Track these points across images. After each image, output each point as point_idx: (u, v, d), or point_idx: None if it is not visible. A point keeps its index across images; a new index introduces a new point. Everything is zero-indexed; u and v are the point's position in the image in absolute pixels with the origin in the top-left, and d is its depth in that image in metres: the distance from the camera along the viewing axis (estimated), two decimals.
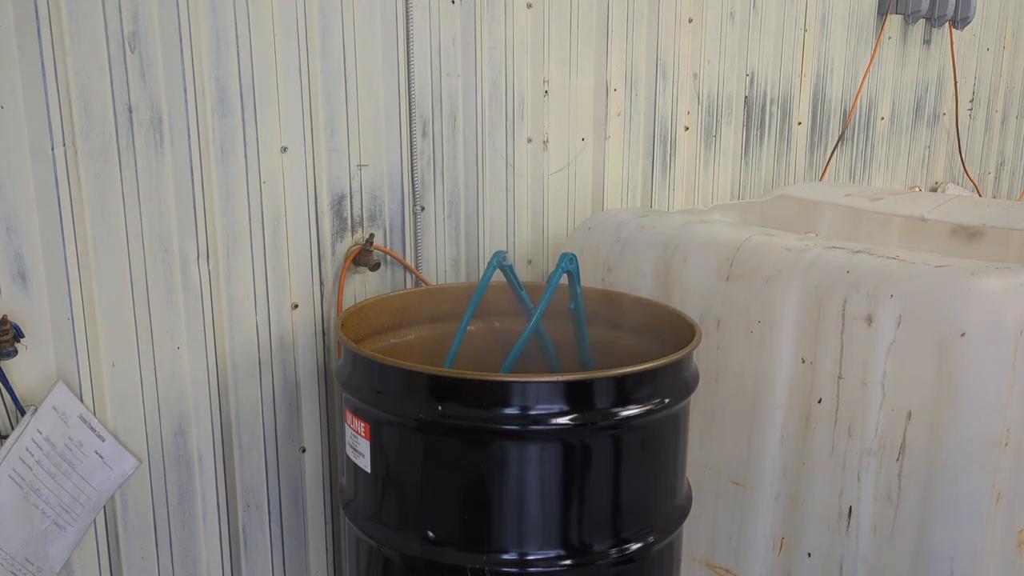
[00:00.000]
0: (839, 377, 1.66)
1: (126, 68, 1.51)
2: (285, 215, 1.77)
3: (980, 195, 3.86)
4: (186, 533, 1.75)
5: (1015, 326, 1.47)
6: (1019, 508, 1.58)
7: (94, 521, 1.61)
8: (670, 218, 2.11)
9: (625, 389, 1.44)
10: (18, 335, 1.43)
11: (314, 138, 1.79)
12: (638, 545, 1.50)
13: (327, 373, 1.91)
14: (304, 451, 1.90)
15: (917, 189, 3.52)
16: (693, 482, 1.71)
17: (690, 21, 2.52)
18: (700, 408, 1.87)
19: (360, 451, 1.54)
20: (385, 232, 1.95)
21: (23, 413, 1.47)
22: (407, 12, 1.88)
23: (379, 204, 1.93)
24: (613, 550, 1.47)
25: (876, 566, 1.66)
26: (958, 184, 3.77)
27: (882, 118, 3.36)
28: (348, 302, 1.89)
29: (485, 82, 2.07)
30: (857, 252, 1.71)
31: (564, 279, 1.72)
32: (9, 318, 1.42)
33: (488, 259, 1.72)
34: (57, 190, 1.47)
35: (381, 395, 1.49)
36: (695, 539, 1.96)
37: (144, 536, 1.69)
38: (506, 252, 1.73)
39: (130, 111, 1.53)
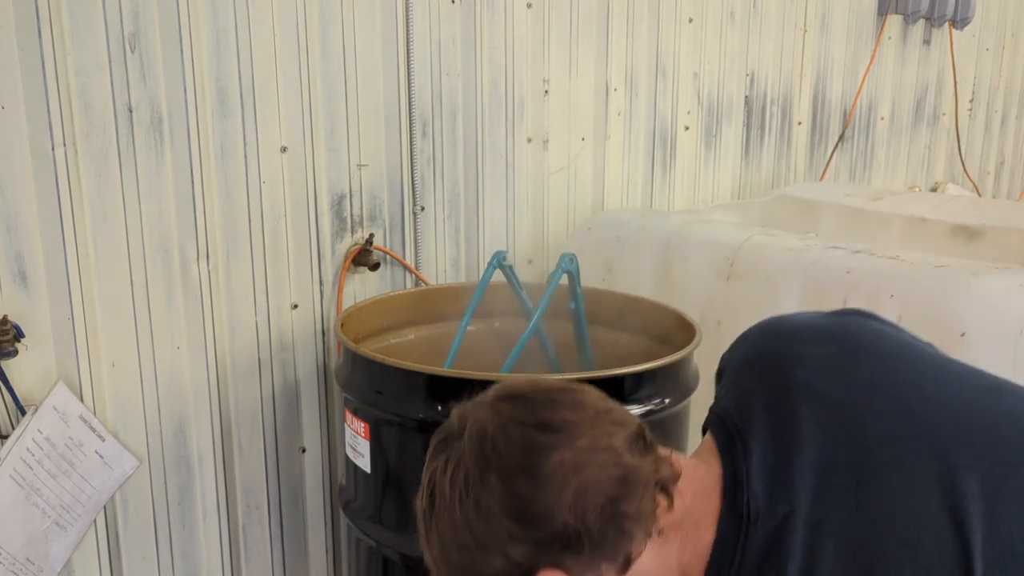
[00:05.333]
0: None
1: (126, 68, 1.51)
2: (285, 215, 1.77)
3: (980, 195, 3.86)
4: (186, 533, 1.75)
5: (1015, 326, 1.47)
6: None
7: (94, 521, 1.61)
8: (670, 218, 2.11)
9: (625, 389, 1.44)
10: (18, 335, 1.43)
11: (314, 138, 1.79)
12: None
13: (327, 373, 1.91)
14: (304, 451, 1.90)
15: (917, 189, 3.52)
16: None
17: (690, 21, 2.52)
18: (700, 408, 1.86)
19: (360, 451, 1.54)
20: (385, 232, 1.95)
21: (23, 413, 1.47)
22: (407, 12, 1.88)
23: (379, 204, 1.93)
24: None
25: None
26: (958, 184, 3.77)
27: (882, 118, 3.36)
28: (348, 302, 1.89)
29: (485, 82, 2.07)
30: (857, 252, 1.70)
31: (564, 279, 1.72)
32: (9, 318, 1.42)
33: (488, 259, 1.71)
34: (57, 190, 1.47)
35: (381, 395, 1.49)
36: None
37: (144, 536, 1.69)
38: (506, 252, 1.73)
39: (130, 111, 1.53)
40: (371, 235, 1.90)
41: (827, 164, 3.13)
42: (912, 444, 0.87)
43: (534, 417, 0.87)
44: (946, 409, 0.91)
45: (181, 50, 1.57)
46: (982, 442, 0.87)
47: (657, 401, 1.46)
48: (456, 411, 0.91)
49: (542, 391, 0.90)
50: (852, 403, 0.91)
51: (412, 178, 1.96)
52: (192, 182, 1.63)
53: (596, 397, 0.91)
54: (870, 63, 3.17)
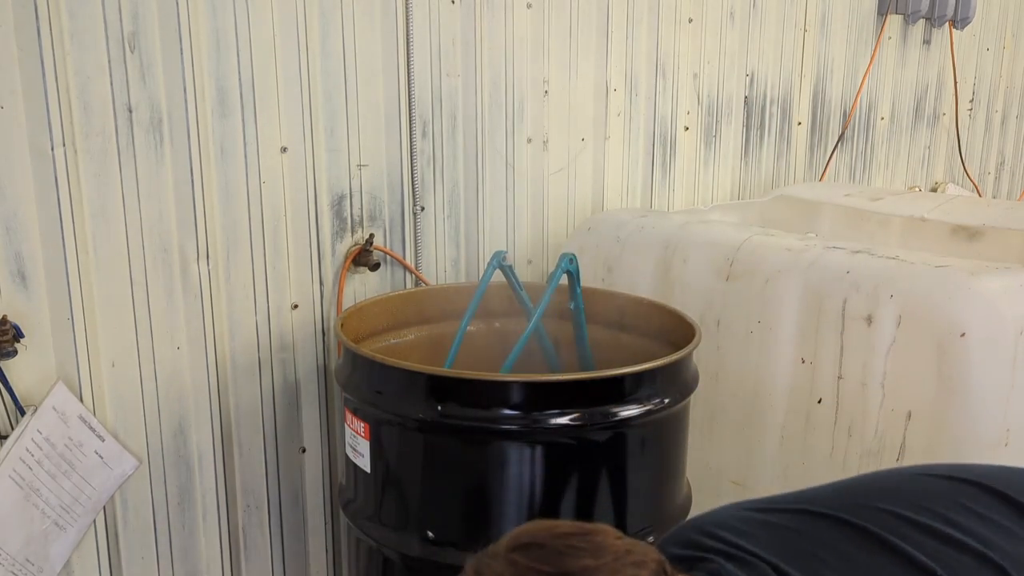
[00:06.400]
0: (839, 377, 1.66)
1: (126, 68, 1.51)
2: (285, 215, 1.77)
3: (980, 195, 3.86)
4: (186, 533, 1.75)
5: (1015, 326, 1.47)
6: None
7: (94, 521, 1.61)
8: (670, 218, 2.11)
9: (625, 389, 1.44)
10: (18, 335, 1.43)
11: (314, 138, 1.79)
12: None
13: (327, 373, 1.91)
14: (304, 451, 1.90)
15: (917, 189, 3.52)
16: (693, 482, 1.71)
17: (690, 21, 2.52)
18: (700, 408, 1.86)
19: (360, 451, 1.54)
20: (385, 232, 1.95)
21: (23, 413, 1.46)
22: (407, 12, 1.88)
23: (379, 204, 1.93)
24: None
25: None
26: (958, 184, 3.77)
27: (882, 118, 3.36)
28: (348, 302, 1.89)
29: (485, 82, 2.07)
30: (857, 252, 1.70)
31: (564, 279, 1.72)
32: (9, 318, 1.42)
33: (488, 259, 1.71)
34: (57, 190, 1.47)
35: (381, 395, 1.49)
36: None
37: (144, 536, 1.69)
38: (506, 252, 1.73)
39: (130, 111, 1.53)
40: (371, 235, 1.90)
41: (827, 164, 3.13)
42: (825, 506, 1.04)
43: (554, 567, 0.83)
44: (850, 482, 1.13)
45: (181, 50, 1.57)
46: (881, 498, 1.04)
47: (657, 401, 1.46)
48: (469, 564, 0.87)
49: (557, 537, 0.87)
50: (765, 505, 1.10)
51: (412, 178, 1.96)
52: (192, 182, 1.63)
53: (613, 537, 0.88)
54: (870, 63, 3.17)
